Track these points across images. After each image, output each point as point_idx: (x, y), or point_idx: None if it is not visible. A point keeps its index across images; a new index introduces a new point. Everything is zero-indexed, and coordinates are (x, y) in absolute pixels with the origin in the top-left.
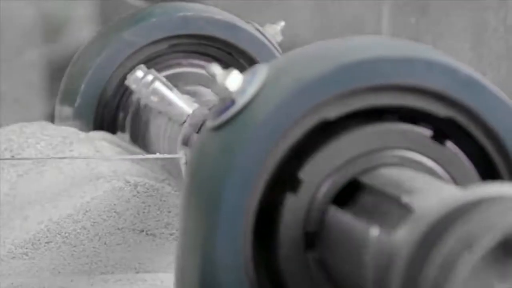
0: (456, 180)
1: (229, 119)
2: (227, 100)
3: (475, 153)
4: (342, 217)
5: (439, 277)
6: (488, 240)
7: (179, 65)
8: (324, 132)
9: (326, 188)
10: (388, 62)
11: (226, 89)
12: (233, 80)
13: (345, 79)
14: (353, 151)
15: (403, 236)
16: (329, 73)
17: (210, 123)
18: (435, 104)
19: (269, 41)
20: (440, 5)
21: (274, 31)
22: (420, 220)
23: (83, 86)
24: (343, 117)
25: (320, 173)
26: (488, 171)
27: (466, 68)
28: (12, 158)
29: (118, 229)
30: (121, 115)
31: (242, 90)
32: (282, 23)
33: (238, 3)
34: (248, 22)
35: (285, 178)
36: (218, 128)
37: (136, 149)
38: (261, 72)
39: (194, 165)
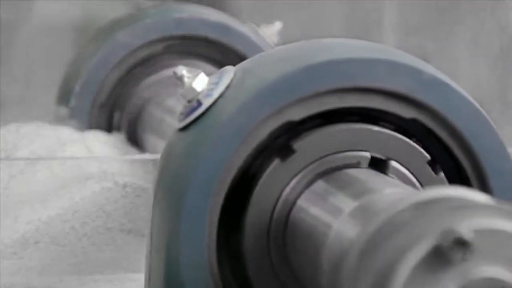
0: (420, 181)
1: (194, 120)
2: (194, 102)
3: (440, 153)
4: (305, 216)
5: (379, 284)
6: (420, 250)
7: (174, 66)
8: (290, 133)
9: (291, 188)
10: (351, 64)
11: (194, 90)
12: (200, 82)
13: (308, 81)
14: (318, 152)
15: (354, 235)
16: (292, 75)
17: (177, 124)
18: (399, 105)
19: (264, 41)
20: (439, 6)
21: (270, 32)
22: (370, 222)
23: (77, 87)
24: (308, 118)
25: (286, 173)
26: (454, 171)
27: (430, 69)
28: (4, 158)
29: (107, 229)
30: (117, 115)
31: (208, 92)
32: (279, 24)
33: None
34: (244, 23)
35: (250, 179)
36: (184, 129)
37: (131, 149)
38: (227, 74)
39: (161, 166)
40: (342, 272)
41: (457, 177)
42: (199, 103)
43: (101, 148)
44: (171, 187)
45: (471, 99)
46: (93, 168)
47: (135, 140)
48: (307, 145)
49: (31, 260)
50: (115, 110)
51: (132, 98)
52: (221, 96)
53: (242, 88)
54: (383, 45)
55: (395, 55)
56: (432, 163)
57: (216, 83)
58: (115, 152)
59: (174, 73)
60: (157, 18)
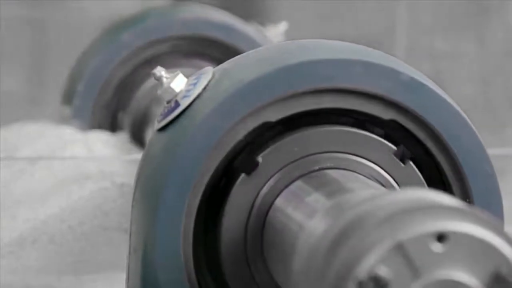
0: (397, 181)
1: (172, 121)
2: (172, 103)
3: (421, 154)
4: (281, 215)
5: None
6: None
7: (179, 66)
8: (268, 134)
9: (269, 189)
10: (328, 65)
11: (172, 91)
12: (179, 83)
13: (285, 81)
14: (296, 153)
15: (320, 237)
16: (269, 75)
17: (156, 125)
18: (377, 106)
19: (269, 42)
20: (445, 5)
21: (276, 32)
22: (335, 223)
23: (80, 87)
24: (286, 119)
25: (264, 174)
26: (434, 172)
27: (409, 70)
28: (4, 158)
29: (104, 228)
30: (121, 115)
31: (186, 93)
32: (284, 24)
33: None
34: (250, 23)
35: (228, 178)
36: (162, 129)
37: (134, 148)
38: (205, 75)
39: (140, 166)
40: (306, 273)
41: (438, 178)
42: (177, 104)
43: (102, 148)
44: (148, 188)
45: (450, 100)
46: (91, 168)
47: (139, 139)
48: (285, 146)
49: (29, 259)
50: (119, 110)
51: (136, 98)
52: (198, 97)
53: (218, 89)
54: (362, 46)
55: (372, 56)
56: (401, 154)
57: (194, 84)
58: (117, 152)
59: (153, 73)
60: (161, 19)
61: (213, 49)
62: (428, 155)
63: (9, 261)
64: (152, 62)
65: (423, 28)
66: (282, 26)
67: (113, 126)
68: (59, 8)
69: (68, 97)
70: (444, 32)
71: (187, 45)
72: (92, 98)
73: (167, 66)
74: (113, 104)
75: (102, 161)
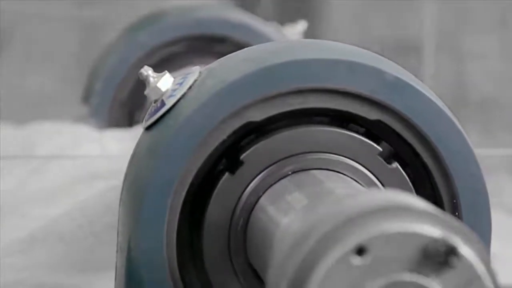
0: (382, 181)
1: (157, 120)
2: (159, 102)
3: (408, 154)
4: (262, 214)
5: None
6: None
7: (195, 65)
8: (254, 134)
9: (253, 188)
10: (312, 65)
11: (159, 90)
12: (165, 82)
13: (269, 81)
14: (281, 153)
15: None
16: (252, 75)
17: (143, 124)
18: (363, 107)
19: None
20: (469, 8)
21: (294, 31)
22: (303, 222)
23: (97, 86)
24: (271, 119)
25: (248, 173)
26: (422, 172)
27: (394, 70)
28: (12, 157)
29: (114, 227)
30: (137, 113)
31: (171, 92)
32: (303, 23)
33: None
34: (268, 22)
35: (212, 178)
36: (148, 128)
37: None
38: (192, 75)
39: (128, 165)
40: (274, 269)
41: (425, 179)
42: (163, 103)
43: (116, 147)
44: (133, 187)
45: (435, 99)
46: (101, 166)
47: None
48: (270, 145)
49: (39, 257)
50: (136, 109)
51: None
52: (183, 96)
53: (202, 89)
54: (349, 46)
55: (357, 56)
56: (387, 155)
57: (180, 84)
58: (131, 150)
59: (140, 73)
60: (178, 18)
61: (230, 49)
62: (415, 155)
63: (19, 258)
64: (168, 61)
65: (451, 29)
66: (300, 26)
67: (130, 125)
68: (107, 7)
69: (86, 96)
70: (467, 32)
71: (204, 44)
72: (110, 97)
73: (183, 65)
74: (130, 103)
75: (113, 159)
